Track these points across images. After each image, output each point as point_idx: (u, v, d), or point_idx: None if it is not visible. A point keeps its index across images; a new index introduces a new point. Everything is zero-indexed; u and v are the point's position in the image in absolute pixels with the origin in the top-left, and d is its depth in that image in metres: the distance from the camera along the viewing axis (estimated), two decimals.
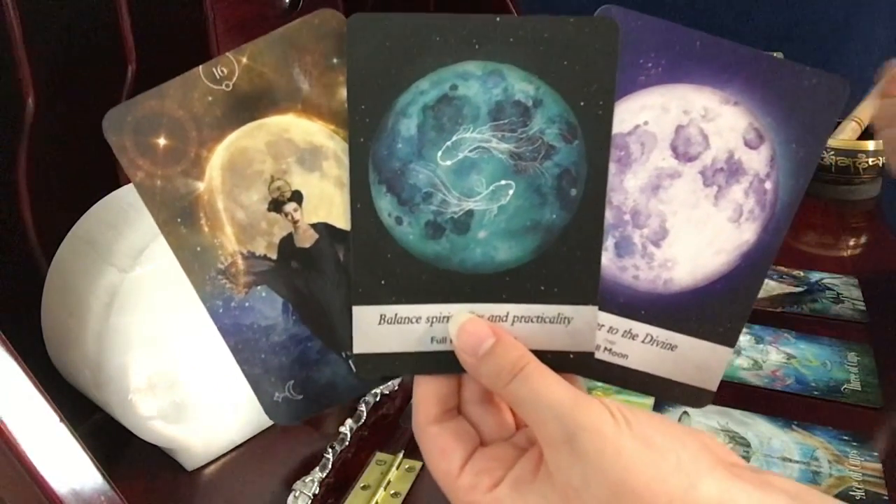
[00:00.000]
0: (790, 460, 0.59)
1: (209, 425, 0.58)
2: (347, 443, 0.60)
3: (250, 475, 0.59)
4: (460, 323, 0.33)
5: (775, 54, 0.34)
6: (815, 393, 0.68)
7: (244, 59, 0.32)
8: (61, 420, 0.41)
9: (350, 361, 0.35)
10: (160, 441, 0.57)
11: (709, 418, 0.64)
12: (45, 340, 0.58)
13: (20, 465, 0.39)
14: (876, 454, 0.60)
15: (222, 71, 0.32)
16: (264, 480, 0.58)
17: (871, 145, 1.06)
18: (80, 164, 0.62)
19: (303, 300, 0.34)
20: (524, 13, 1.03)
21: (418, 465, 0.58)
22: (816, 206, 1.05)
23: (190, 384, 0.56)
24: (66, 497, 0.40)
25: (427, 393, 0.34)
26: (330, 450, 0.58)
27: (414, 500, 0.55)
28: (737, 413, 0.64)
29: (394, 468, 0.58)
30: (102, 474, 0.42)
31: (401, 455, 0.59)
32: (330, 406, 0.35)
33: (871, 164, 1.06)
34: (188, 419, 0.57)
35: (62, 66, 0.61)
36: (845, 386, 0.68)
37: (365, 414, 0.62)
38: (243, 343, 0.34)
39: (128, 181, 0.53)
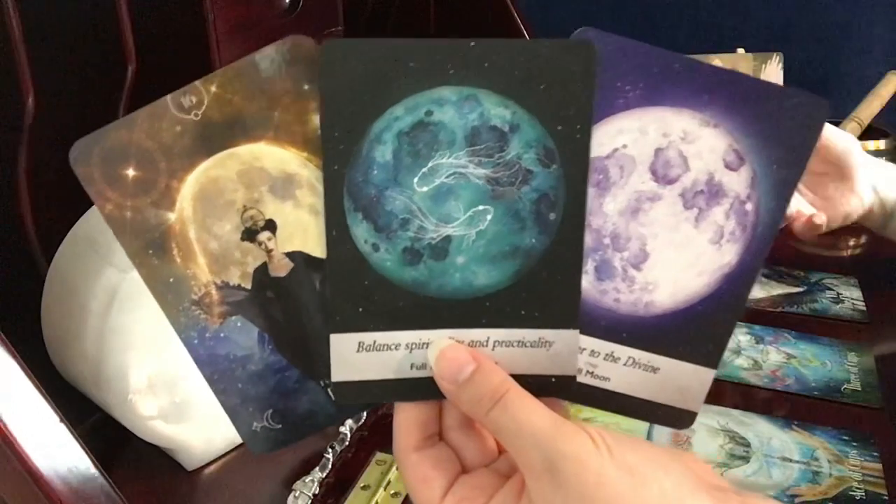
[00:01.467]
0: (790, 460, 0.59)
1: (209, 425, 0.58)
2: (347, 443, 0.60)
3: (250, 475, 0.59)
4: (440, 349, 0.32)
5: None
6: (815, 393, 0.68)
7: (213, 88, 0.31)
8: (61, 420, 0.41)
9: (329, 390, 0.34)
10: (160, 441, 0.57)
11: (709, 418, 0.64)
12: (45, 340, 0.58)
13: (20, 465, 0.39)
14: (876, 454, 0.60)
15: (191, 100, 0.31)
16: (264, 480, 0.58)
17: (871, 145, 1.06)
18: None
19: (279, 329, 0.34)
20: (525, 16, 1.03)
21: None
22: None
23: (190, 384, 0.56)
24: (66, 497, 0.40)
25: (407, 420, 0.33)
26: (330, 450, 0.58)
27: None
28: (737, 413, 0.64)
29: (394, 468, 0.58)
30: (102, 474, 0.42)
31: None
32: (310, 434, 0.35)
33: None
34: (188, 419, 0.57)
35: (62, 66, 0.61)
36: (845, 386, 0.68)
37: (365, 414, 0.62)
38: (219, 373, 0.34)
39: None
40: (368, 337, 0.33)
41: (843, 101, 1.16)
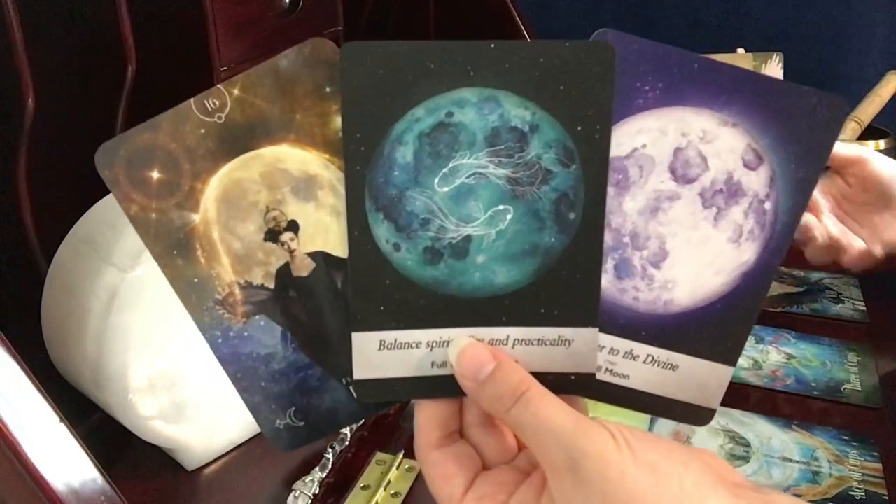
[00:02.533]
0: (790, 460, 0.59)
1: (209, 425, 0.58)
2: (347, 443, 0.60)
3: (250, 475, 0.59)
4: (460, 347, 0.33)
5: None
6: (815, 393, 0.68)
7: (236, 91, 0.32)
8: (61, 420, 0.41)
9: (350, 388, 0.35)
10: (160, 441, 0.57)
11: None
12: (45, 340, 0.58)
13: (20, 465, 0.39)
14: (876, 454, 0.60)
15: (214, 103, 0.32)
16: (264, 480, 0.58)
17: (871, 145, 1.06)
18: (80, 165, 0.62)
19: (301, 328, 0.34)
20: (525, 16, 1.03)
21: (418, 465, 0.58)
22: None
23: (190, 384, 0.56)
24: (66, 497, 0.40)
25: (428, 417, 0.34)
26: (330, 450, 0.58)
27: (414, 500, 0.55)
28: (737, 413, 0.65)
29: (394, 468, 0.58)
30: (102, 474, 0.42)
31: (401, 455, 0.59)
32: (332, 432, 0.35)
33: None
34: (188, 419, 0.57)
35: (62, 66, 0.62)
36: (845, 386, 0.68)
37: None
38: (243, 372, 0.34)
39: None
40: (390, 335, 0.33)
41: None
